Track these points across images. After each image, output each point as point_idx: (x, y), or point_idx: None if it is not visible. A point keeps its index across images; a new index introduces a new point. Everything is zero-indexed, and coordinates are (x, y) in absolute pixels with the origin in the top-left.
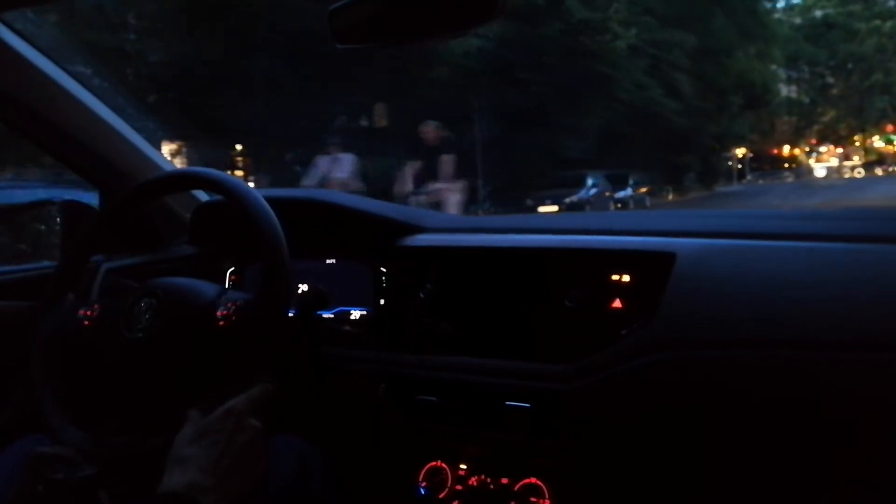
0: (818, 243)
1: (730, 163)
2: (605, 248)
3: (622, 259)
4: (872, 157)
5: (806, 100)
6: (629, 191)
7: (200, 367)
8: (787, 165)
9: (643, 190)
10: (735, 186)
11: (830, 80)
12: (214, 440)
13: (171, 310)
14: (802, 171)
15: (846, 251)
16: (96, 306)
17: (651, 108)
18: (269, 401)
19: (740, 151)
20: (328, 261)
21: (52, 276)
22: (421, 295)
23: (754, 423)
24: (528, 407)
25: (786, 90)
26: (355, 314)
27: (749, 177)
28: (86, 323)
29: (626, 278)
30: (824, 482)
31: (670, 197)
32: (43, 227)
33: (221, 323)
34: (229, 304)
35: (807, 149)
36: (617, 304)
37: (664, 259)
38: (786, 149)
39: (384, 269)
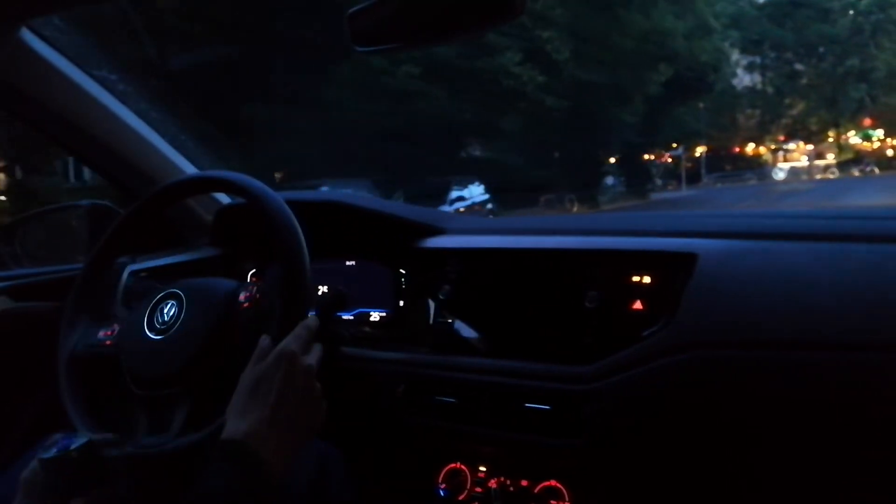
0: (843, 244)
1: (688, 164)
2: (626, 249)
3: (643, 260)
4: (848, 156)
5: (771, 90)
6: (447, 209)
7: (224, 356)
8: (752, 165)
9: (488, 206)
10: (684, 191)
11: (799, 66)
12: (270, 388)
13: (193, 307)
14: (767, 172)
15: (870, 251)
16: (115, 326)
17: (502, 83)
18: (317, 334)
19: (700, 150)
20: (348, 262)
21: (78, 277)
22: (440, 296)
23: (776, 424)
24: (548, 409)
25: (748, 78)
26: (375, 315)
27: (705, 179)
28: (108, 343)
29: (646, 279)
30: (848, 483)
31: (574, 209)
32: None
33: (246, 305)
34: (251, 287)
35: (773, 146)
36: (638, 305)
37: (686, 260)
38: (750, 146)
39: (404, 271)
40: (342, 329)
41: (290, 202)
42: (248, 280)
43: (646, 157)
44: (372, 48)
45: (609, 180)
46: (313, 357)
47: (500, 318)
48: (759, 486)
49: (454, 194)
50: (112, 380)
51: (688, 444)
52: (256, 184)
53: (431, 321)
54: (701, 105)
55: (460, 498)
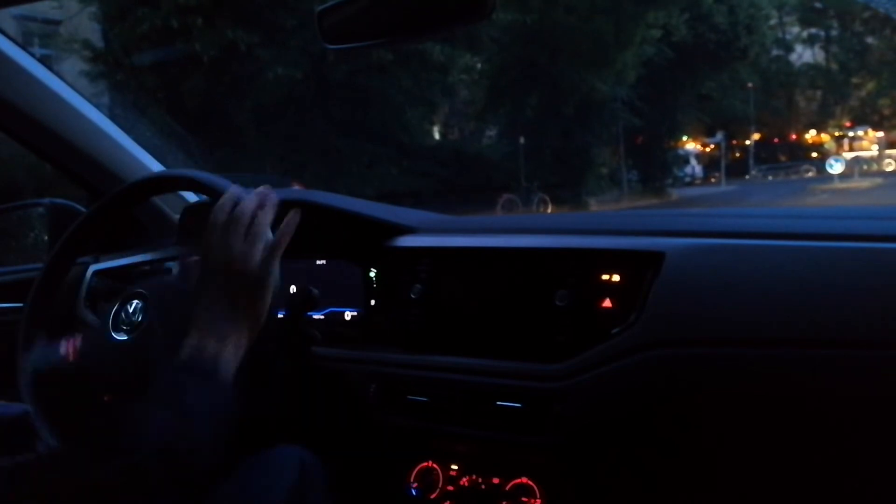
0: (806, 242)
1: (738, 153)
2: (595, 248)
3: (611, 259)
4: None
5: (835, 66)
6: None
7: None
8: (815, 155)
9: None
10: (722, 186)
11: (869, 39)
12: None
13: (159, 305)
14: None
15: (833, 250)
16: (76, 338)
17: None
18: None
19: (755, 137)
20: (318, 261)
21: (36, 279)
22: (412, 295)
23: (744, 420)
24: (519, 406)
25: (809, 54)
26: (346, 315)
27: (753, 171)
28: (71, 358)
29: (615, 278)
30: (814, 480)
31: (547, 211)
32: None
33: None
34: None
35: (837, 133)
36: (607, 303)
37: (653, 258)
38: (811, 133)
39: (374, 270)
40: (313, 329)
41: None
42: None
43: (673, 143)
44: (342, 45)
45: (629, 174)
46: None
47: (472, 316)
48: (729, 483)
49: None
50: (83, 390)
51: (657, 441)
52: (221, 181)
53: (403, 320)
54: (750, 84)
55: (432, 497)
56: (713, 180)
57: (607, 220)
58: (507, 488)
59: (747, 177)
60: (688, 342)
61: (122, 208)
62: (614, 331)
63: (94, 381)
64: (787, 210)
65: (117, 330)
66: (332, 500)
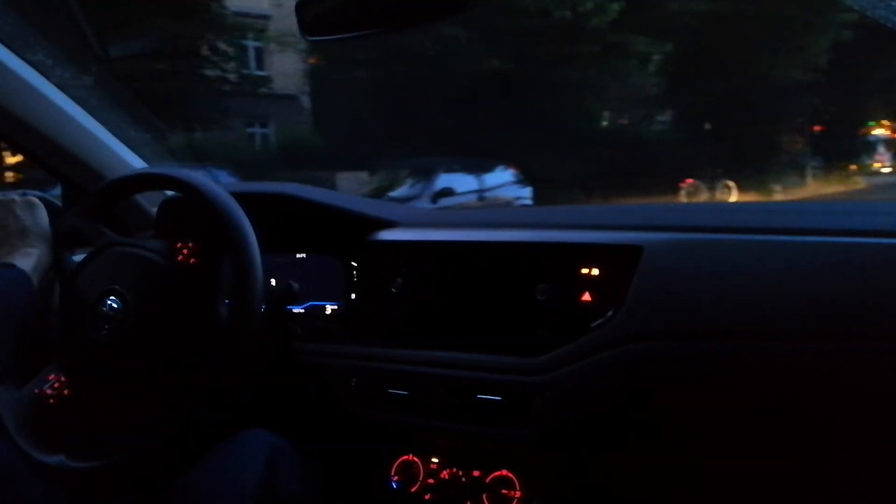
0: (783, 237)
1: None
2: (575, 243)
3: (591, 253)
4: None
5: None
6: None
7: (172, 360)
8: None
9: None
10: None
11: None
12: None
13: (139, 310)
14: None
15: (810, 244)
16: (52, 377)
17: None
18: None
19: None
20: (298, 255)
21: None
22: (392, 289)
23: (723, 413)
24: (500, 400)
25: None
26: (326, 309)
27: None
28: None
29: (595, 272)
30: (794, 472)
31: (732, 197)
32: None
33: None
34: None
35: None
36: (587, 297)
37: (632, 252)
38: None
39: (355, 264)
40: (293, 323)
41: (237, 195)
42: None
43: (859, 129)
44: (322, 38)
45: (812, 161)
46: None
47: (453, 311)
48: (708, 476)
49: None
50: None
51: (636, 434)
52: (202, 180)
53: (384, 314)
54: None
55: (413, 490)
56: None
57: (587, 214)
58: (488, 481)
59: None
60: (666, 336)
61: (105, 207)
62: (594, 324)
63: (73, 378)
64: (766, 205)
65: (96, 328)
66: (304, 486)
